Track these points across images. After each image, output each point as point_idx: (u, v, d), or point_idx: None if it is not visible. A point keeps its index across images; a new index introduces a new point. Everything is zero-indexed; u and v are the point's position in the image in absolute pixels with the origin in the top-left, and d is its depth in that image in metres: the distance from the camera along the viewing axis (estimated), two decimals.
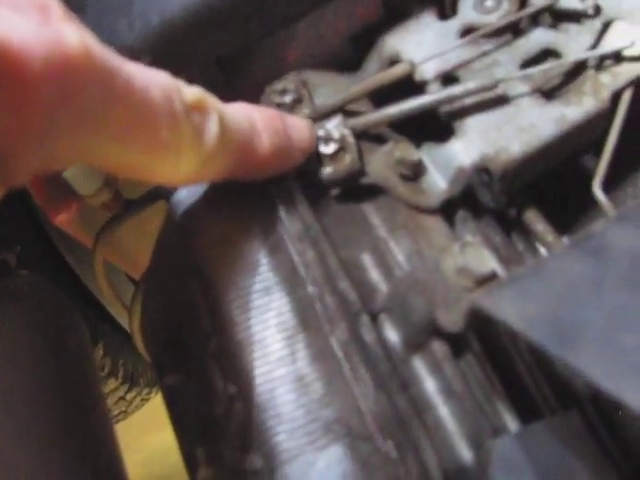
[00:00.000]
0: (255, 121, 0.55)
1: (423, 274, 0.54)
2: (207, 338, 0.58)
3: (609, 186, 0.66)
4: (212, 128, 0.50)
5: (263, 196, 0.61)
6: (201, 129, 0.49)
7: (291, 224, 0.59)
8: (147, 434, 2.04)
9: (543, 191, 0.71)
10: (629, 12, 0.71)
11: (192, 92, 0.50)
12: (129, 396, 1.58)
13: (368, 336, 0.55)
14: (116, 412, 1.59)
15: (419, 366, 0.55)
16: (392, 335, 0.57)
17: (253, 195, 0.61)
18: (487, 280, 0.53)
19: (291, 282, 0.57)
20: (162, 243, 0.66)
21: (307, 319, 0.55)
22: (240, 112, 0.54)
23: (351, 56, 0.81)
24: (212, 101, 0.52)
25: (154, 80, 0.47)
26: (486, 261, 0.53)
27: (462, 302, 0.51)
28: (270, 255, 0.58)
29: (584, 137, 0.67)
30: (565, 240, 0.68)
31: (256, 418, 0.53)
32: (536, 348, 0.39)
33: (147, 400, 1.69)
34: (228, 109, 0.54)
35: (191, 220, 0.61)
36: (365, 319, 0.56)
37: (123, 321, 1.48)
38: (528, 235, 0.70)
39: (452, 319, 0.51)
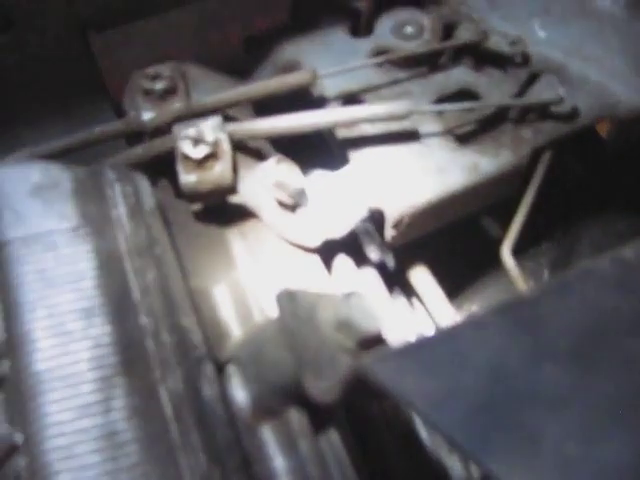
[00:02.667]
0: None
1: (292, 322, 0.42)
2: None
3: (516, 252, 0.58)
4: None
5: (103, 194, 0.48)
6: None
7: (133, 232, 0.46)
8: None
9: (437, 250, 0.62)
10: (558, 68, 0.63)
11: None
12: None
13: (209, 391, 0.43)
14: None
15: (269, 438, 0.43)
16: (240, 394, 0.44)
17: (91, 189, 0.48)
18: (373, 342, 0.41)
19: (120, 307, 0.43)
20: None
21: (133, 358, 0.42)
22: None
23: (243, 64, 0.70)
24: None
25: None
26: (376, 318, 0.42)
27: (338, 366, 0.39)
28: (98, 267, 0.44)
29: (495, 193, 0.58)
30: (456, 312, 0.59)
31: None
32: (450, 442, 0.28)
33: None
34: None
35: (6, 205, 0.47)
36: (208, 369, 0.43)
37: None
38: (411, 295, 0.61)
39: (322, 386, 0.39)
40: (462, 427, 0.29)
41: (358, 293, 0.43)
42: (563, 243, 0.68)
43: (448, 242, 0.63)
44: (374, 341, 0.41)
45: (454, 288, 0.64)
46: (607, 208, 0.69)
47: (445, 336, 0.33)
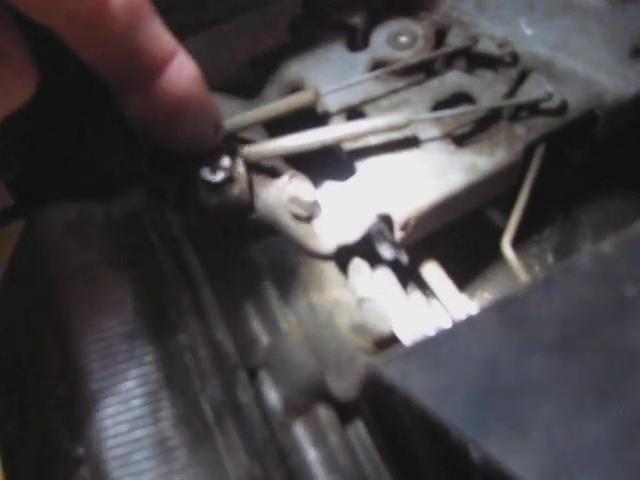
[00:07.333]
0: None
1: (313, 329, 0.47)
2: (53, 384, 0.49)
3: (516, 243, 0.62)
4: None
5: (135, 225, 0.53)
6: None
7: (165, 261, 0.51)
8: None
9: (446, 243, 0.66)
10: (546, 64, 0.67)
11: None
12: None
13: (244, 396, 0.48)
14: None
15: (301, 433, 0.48)
16: (272, 396, 0.49)
17: (123, 222, 0.53)
18: (387, 341, 0.46)
19: (159, 328, 0.49)
20: (14, 266, 0.57)
21: (174, 373, 0.47)
22: None
23: (250, 82, 0.74)
24: None
25: None
26: (387, 320, 0.47)
27: (356, 366, 0.44)
28: (137, 294, 0.49)
29: (494, 189, 0.62)
30: (469, 301, 0.63)
31: None
32: (446, 429, 0.32)
33: None
34: None
35: (47, 244, 0.52)
36: (242, 376, 0.48)
37: None
38: (425, 289, 0.65)
39: (343, 385, 0.44)
40: (463, 417, 0.34)
41: (370, 298, 0.48)
42: (565, 227, 0.71)
43: (456, 236, 0.67)
44: (388, 341, 0.46)
45: (465, 279, 0.68)
46: (604, 191, 0.72)
47: (445, 335, 0.38)
